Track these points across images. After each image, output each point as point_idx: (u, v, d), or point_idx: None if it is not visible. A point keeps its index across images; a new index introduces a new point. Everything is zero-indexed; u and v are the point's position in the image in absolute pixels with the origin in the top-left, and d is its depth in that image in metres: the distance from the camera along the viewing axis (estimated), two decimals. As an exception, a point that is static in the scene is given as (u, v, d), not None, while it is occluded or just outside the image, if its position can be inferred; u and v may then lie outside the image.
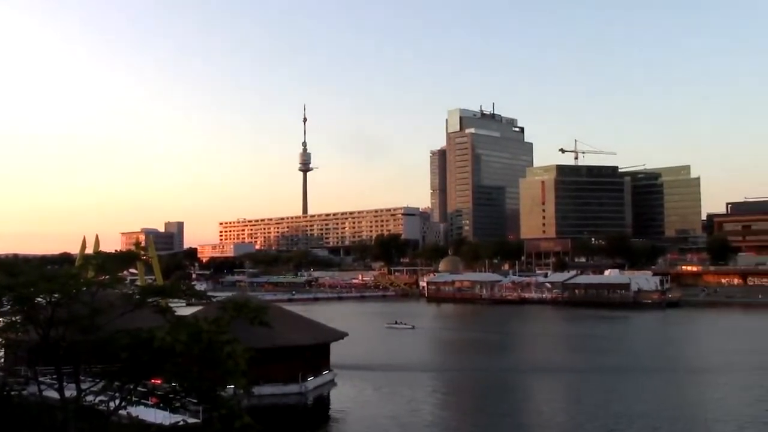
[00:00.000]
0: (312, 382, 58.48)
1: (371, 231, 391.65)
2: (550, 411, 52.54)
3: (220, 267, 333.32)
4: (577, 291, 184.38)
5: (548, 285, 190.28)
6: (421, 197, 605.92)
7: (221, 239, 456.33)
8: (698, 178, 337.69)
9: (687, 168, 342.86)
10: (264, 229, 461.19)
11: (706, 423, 46.98)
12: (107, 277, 23.09)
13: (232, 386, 18.99)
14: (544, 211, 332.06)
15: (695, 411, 51.09)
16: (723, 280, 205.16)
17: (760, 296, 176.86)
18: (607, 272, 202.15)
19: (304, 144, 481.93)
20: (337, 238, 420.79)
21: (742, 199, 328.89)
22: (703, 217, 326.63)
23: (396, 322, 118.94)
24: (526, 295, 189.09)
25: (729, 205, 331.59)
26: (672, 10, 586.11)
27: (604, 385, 62.41)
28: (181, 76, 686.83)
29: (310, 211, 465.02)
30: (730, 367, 71.06)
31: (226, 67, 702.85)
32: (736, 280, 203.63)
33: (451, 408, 55.49)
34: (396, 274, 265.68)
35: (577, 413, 50.50)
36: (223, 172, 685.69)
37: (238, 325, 20.17)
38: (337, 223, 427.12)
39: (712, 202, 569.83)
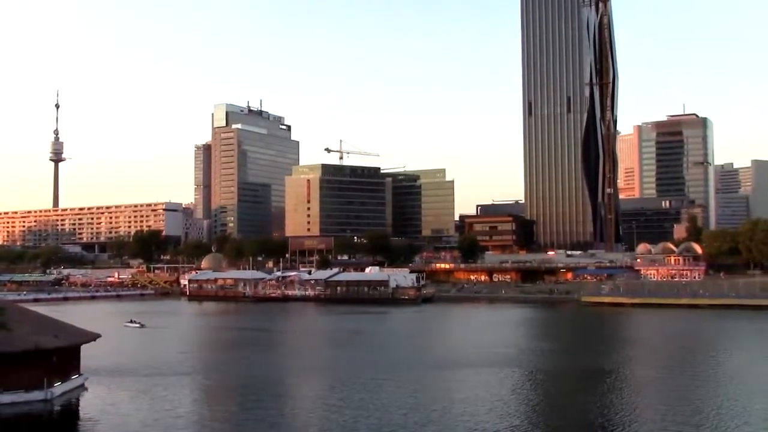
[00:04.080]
0: (59, 387, 54.09)
1: (130, 227, 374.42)
2: (318, 410, 52.43)
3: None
4: (339, 288, 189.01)
5: (311, 282, 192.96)
6: (185, 193, 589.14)
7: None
8: (452, 181, 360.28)
9: (443, 171, 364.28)
10: (7, 222, 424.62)
11: (479, 414, 49.23)
12: None
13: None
14: (309, 209, 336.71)
15: (456, 404, 53.06)
16: (472, 277, 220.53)
17: (503, 291, 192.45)
18: (367, 270, 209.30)
19: (56, 132, 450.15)
20: (92, 233, 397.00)
21: (490, 202, 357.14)
22: (456, 218, 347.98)
23: (131, 321, 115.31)
24: (290, 292, 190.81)
25: (478, 207, 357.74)
26: (445, 20, 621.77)
27: (366, 381, 63.59)
28: None
29: (62, 205, 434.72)
30: (479, 360, 75.92)
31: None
32: (483, 277, 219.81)
33: (210, 413, 53.63)
34: (156, 272, 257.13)
35: (345, 412, 50.71)
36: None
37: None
38: (92, 218, 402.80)
39: (465, 204, 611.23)
